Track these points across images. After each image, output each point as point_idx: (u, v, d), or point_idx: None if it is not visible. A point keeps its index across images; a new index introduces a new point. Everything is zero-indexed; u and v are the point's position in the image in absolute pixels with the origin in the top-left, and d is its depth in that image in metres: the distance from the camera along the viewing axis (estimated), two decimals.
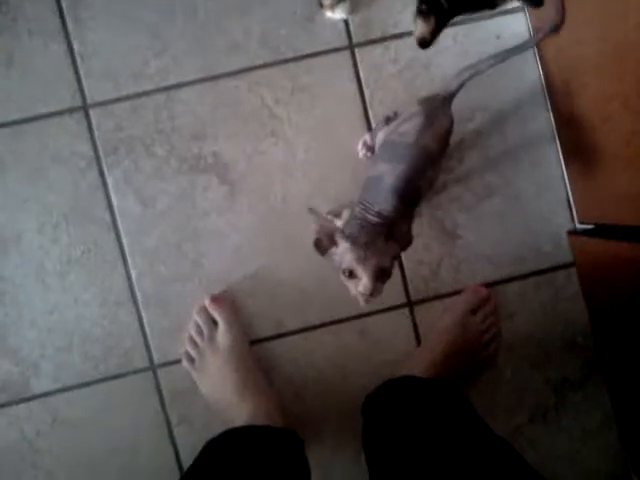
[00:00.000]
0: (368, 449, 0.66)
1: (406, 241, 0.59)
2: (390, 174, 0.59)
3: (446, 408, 0.62)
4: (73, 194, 0.77)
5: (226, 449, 0.64)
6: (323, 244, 0.57)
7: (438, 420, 0.59)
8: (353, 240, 0.55)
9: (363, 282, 0.54)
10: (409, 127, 0.61)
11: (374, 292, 0.54)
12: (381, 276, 0.55)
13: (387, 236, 0.56)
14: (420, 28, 0.61)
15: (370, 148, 0.76)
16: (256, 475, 0.59)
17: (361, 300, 0.56)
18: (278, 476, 0.62)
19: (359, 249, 0.54)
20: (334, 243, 0.57)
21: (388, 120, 0.72)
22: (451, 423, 0.59)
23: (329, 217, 0.75)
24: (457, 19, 0.62)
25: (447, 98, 0.64)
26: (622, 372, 0.75)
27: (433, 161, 0.61)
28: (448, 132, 0.63)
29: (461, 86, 0.65)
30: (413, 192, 0.60)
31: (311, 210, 0.57)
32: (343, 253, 0.55)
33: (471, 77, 0.65)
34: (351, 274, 0.55)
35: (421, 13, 0.60)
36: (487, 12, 0.62)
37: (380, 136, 0.68)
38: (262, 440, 0.66)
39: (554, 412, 0.80)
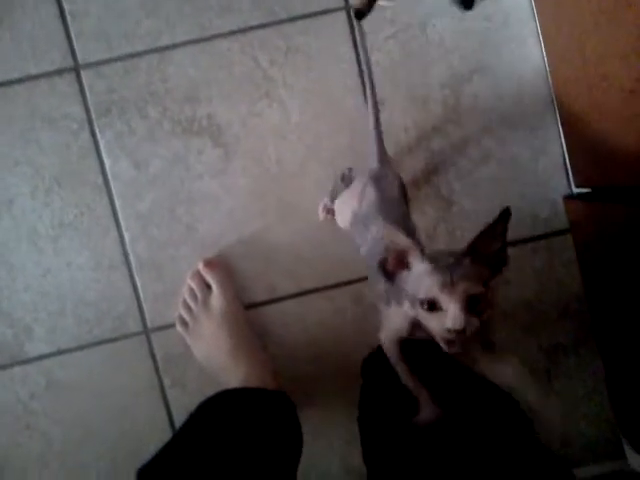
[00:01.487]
0: (364, 410, 0.66)
1: (499, 262, 0.47)
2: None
3: (442, 367, 0.62)
4: (65, 157, 0.76)
5: (218, 410, 0.65)
6: (390, 266, 0.47)
7: (436, 379, 0.59)
8: (434, 261, 0.44)
9: (451, 314, 0.42)
10: (369, 201, 0.59)
11: (467, 327, 0.41)
12: (474, 307, 0.43)
13: (473, 258, 0.44)
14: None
15: (330, 211, 0.74)
16: (247, 435, 0.60)
17: (447, 341, 0.44)
18: (269, 437, 0.62)
19: (443, 272, 0.43)
20: (404, 265, 0.46)
21: (343, 178, 0.71)
22: (448, 381, 0.59)
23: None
24: None
25: (381, 161, 0.63)
26: (615, 337, 0.75)
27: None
28: (401, 186, 0.62)
29: (380, 142, 0.65)
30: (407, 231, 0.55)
31: (387, 227, 0.46)
32: (420, 278, 0.44)
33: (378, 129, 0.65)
34: (433, 306, 0.43)
35: None
36: None
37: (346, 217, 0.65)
38: (254, 401, 0.66)
39: (546, 377, 0.81)
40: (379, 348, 0.71)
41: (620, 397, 0.79)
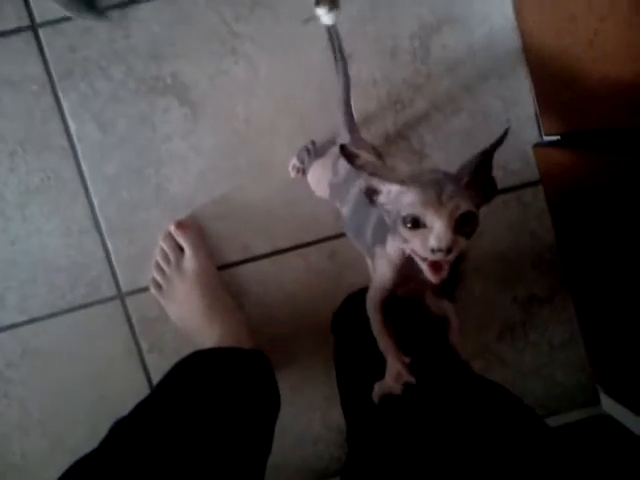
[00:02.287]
0: (340, 365, 0.66)
1: (491, 188, 0.43)
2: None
3: (410, 314, 0.62)
4: (28, 120, 0.74)
5: (192, 369, 0.64)
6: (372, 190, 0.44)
7: (404, 325, 0.60)
8: (412, 179, 0.41)
9: (436, 231, 0.38)
10: (345, 168, 0.58)
11: (454, 247, 0.38)
12: (462, 226, 0.39)
13: (469, 182, 0.41)
14: None
15: (300, 170, 0.74)
16: (222, 393, 0.59)
17: (432, 265, 0.40)
18: (244, 394, 0.62)
19: (427, 188, 0.39)
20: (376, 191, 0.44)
21: (308, 151, 0.71)
22: (416, 328, 0.59)
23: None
24: None
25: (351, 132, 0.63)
26: (588, 286, 0.76)
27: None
28: (375, 151, 0.61)
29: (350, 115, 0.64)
30: None
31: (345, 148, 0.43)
32: (397, 197, 0.41)
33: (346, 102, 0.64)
34: (416, 222, 0.39)
35: None
36: None
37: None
38: (227, 360, 0.66)
39: (521, 328, 0.82)
40: (346, 300, 0.71)
41: (595, 344, 0.80)
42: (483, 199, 0.43)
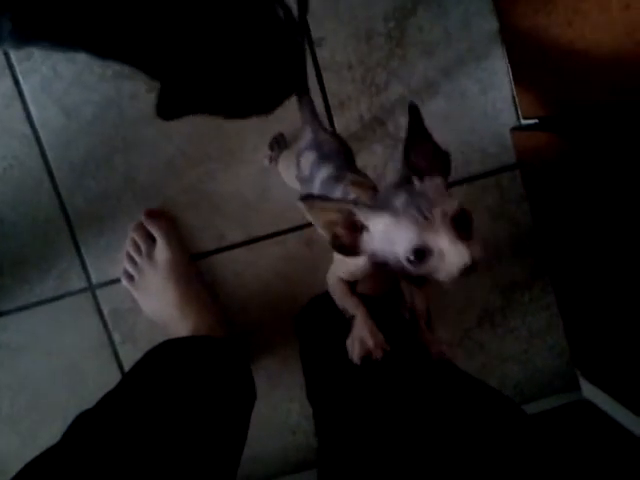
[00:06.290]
0: (306, 367, 0.65)
1: (443, 163, 0.40)
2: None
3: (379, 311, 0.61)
4: None
5: (163, 357, 0.63)
6: (345, 239, 0.39)
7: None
8: (385, 201, 0.37)
9: (448, 253, 0.34)
10: (310, 162, 0.54)
11: (475, 255, 0.34)
12: (462, 230, 0.35)
13: (419, 174, 0.38)
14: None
15: (273, 158, 0.72)
16: (193, 382, 0.58)
17: (453, 275, 0.35)
18: (217, 382, 0.60)
19: (411, 209, 0.35)
20: (360, 229, 0.38)
21: (278, 142, 0.69)
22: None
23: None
24: None
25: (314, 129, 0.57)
26: (567, 271, 0.76)
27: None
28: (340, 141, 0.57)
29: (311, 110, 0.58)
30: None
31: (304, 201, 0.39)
32: (389, 231, 0.36)
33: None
34: (422, 255, 0.35)
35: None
36: None
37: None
38: (199, 348, 0.65)
39: (501, 315, 0.81)
40: (309, 303, 0.70)
41: (574, 329, 0.80)
42: (443, 175, 0.39)
